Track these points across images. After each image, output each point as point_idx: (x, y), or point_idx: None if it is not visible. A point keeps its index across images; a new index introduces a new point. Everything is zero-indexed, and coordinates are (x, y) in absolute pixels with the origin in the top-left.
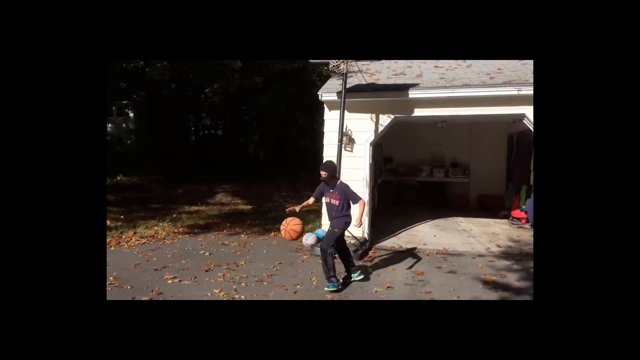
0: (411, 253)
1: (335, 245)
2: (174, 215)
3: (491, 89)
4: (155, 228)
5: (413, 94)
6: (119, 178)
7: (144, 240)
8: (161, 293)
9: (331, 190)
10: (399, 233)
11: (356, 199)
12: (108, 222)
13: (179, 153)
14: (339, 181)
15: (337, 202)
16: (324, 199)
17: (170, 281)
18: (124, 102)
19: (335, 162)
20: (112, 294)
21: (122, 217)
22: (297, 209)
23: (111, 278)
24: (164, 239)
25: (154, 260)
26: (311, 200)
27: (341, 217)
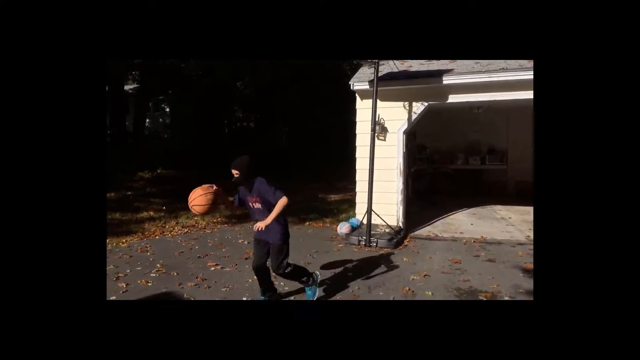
0: (447, 241)
1: (286, 256)
2: None
3: (529, 73)
4: (196, 218)
5: (447, 79)
6: (159, 171)
7: (185, 230)
8: (205, 279)
9: (249, 193)
10: (434, 222)
11: (276, 197)
12: (152, 213)
13: (213, 146)
14: (256, 179)
15: (260, 207)
16: (254, 205)
17: (212, 268)
18: (160, 97)
19: (369, 152)
20: (160, 280)
21: (164, 208)
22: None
23: (158, 265)
24: (204, 228)
25: (196, 249)
26: (230, 201)
27: (274, 227)
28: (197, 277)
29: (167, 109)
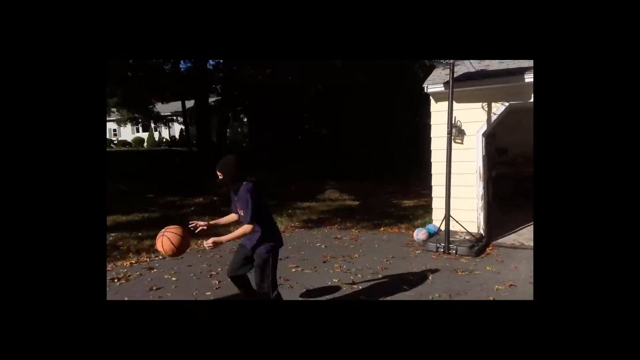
0: None
1: (270, 276)
2: (289, 211)
3: None
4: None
5: (529, 77)
6: None
7: None
8: (288, 280)
9: (236, 198)
10: (519, 229)
11: (246, 216)
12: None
13: (288, 152)
14: (242, 184)
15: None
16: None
17: (293, 270)
18: (238, 108)
19: (446, 156)
20: None
21: None
22: (202, 224)
23: None
24: (284, 232)
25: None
26: (231, 216)
27: (255, 236)
28: (280, 277)
29: (245, 119)
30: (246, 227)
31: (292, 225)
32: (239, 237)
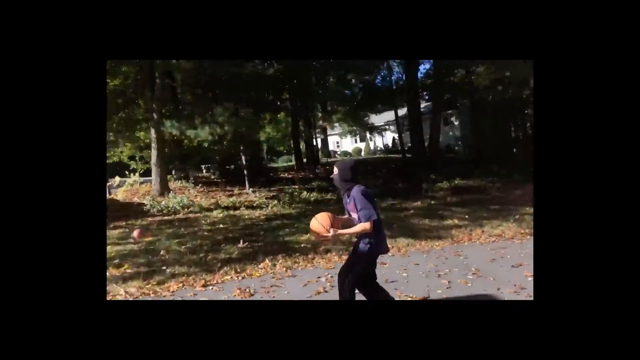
0: None
1: (356, 271)
2: (516, 217)
3: None
4: (501, 228)
5: None
6: (456, 182)
7: (492, 239)
8: (524, 288)
9: (346, 201)
10: None
11: (365, 214)
12: (456, 221)
13: (508, 154)
14: (354, 187)
15: (355, 217)
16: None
17: (530, 278)
18: (449, 112)
19: None
20: (478, 283)
21: (466, 217)
22: (326, 235)
23: (473, 269)
24: (512, 238)
25: (507, 258)
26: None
27: (363, 240)
28: (514, 285)
29: (456, 123)
30: (365, 224)
31: (522, 232)
32: (357, 233)
